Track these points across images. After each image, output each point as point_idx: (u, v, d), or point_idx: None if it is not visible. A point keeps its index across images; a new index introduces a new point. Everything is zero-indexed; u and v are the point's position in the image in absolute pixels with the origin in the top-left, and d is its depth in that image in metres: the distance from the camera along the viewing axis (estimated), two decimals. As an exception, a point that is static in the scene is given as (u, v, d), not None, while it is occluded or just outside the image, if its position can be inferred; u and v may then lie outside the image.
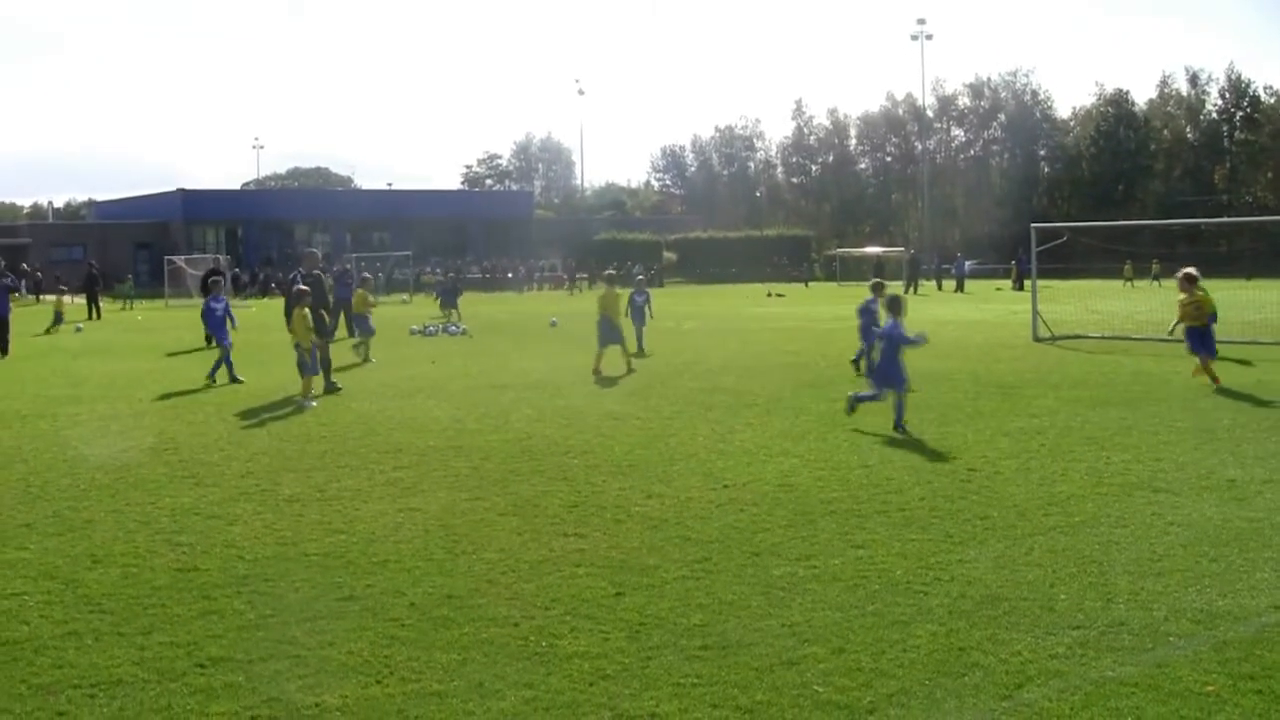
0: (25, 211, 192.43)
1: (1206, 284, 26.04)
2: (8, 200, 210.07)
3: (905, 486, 15.06)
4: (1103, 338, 35.81)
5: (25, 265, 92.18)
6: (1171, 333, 26.18)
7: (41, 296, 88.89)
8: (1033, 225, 42.74)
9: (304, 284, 26.39)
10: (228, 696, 8.42)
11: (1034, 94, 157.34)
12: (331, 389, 25.24)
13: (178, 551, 12.46)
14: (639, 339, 35.74)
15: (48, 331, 49.46)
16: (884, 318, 22.07)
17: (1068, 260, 54.40)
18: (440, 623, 9.96)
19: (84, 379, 29.73)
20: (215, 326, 30.09)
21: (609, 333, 29.95)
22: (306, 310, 24.61)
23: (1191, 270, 25.23)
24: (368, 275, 45.19)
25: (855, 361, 27.46)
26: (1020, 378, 26.58)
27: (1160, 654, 8.95)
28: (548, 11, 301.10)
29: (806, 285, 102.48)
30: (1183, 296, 26.02)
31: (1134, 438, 18.41)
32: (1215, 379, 24.14)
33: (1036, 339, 36.79)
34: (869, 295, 26.67)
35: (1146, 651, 9.00)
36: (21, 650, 9.41)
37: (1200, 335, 25.10)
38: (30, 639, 9.69)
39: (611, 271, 36.07)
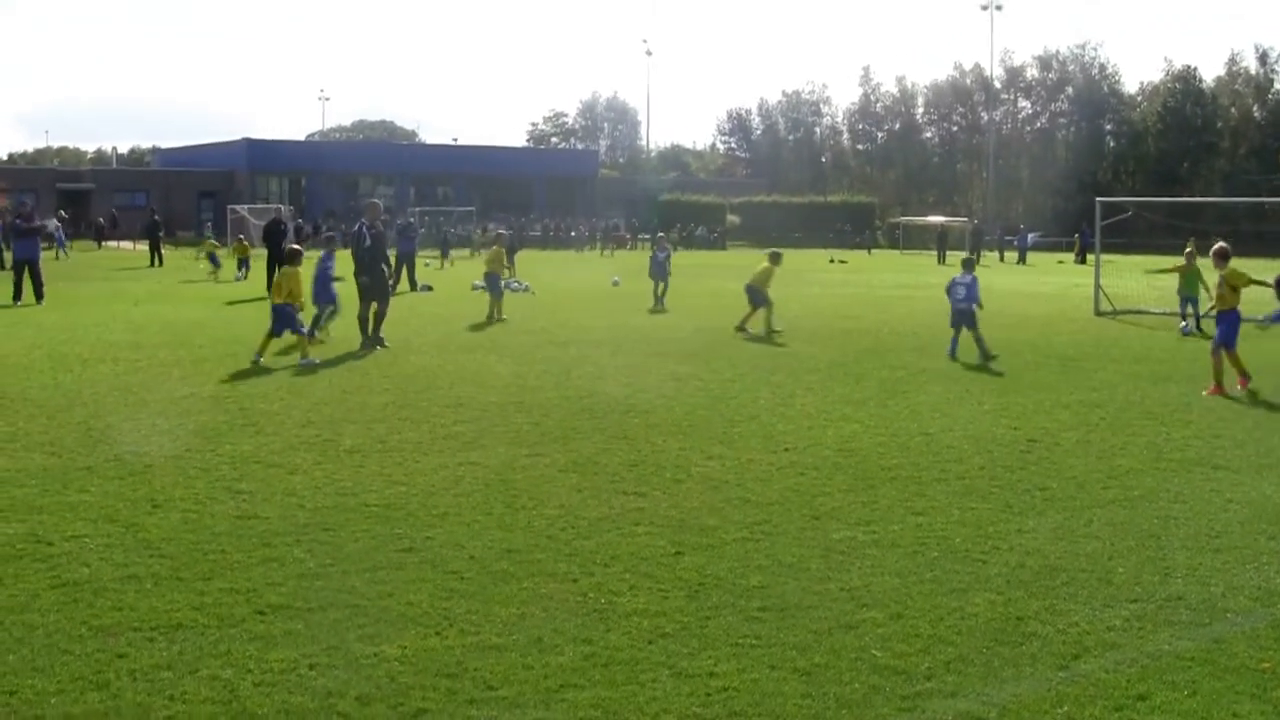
0: (89, 157, 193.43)
1: (1270, 265, 25.66)
2: (72, 145, 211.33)
3: (965, 455, 15.03)
4: (1164, 314, 35.51)
5: (63, 213, 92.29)
6: (1207, 313, 23.57)
7: (104, 243, 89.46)
8: (1097, 199, 42.50)
9: (369, 236, 26.35)
10: (287, 644, 8.48)
11: (1102, 68, 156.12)
12: (378, 343, 25.18)
13: (238, 499, 12.53)
14: (660, 295, 36.36)
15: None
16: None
17: (1130, 235, 53.93)
18: (499, 577, 10.00)
19: (144, 325, 29.87)
20: (323, 285, 27.66)
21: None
22: (298, 270, 24.26)
23: (1224, 244, 22.92)
24: (502, 231, 44.77)
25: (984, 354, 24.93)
26: (1081, 350, 26.45)
27: (1217, 630, 8.92)
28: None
29: (869, 252, 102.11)
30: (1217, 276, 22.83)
31: (1194, 414, 18.32)
32: (1244, 374, 20.64)
33: (1098, 313, 36.57)
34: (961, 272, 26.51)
35: (1203, 627, 8.97)
36: (82, 592, 9.48)
37: (1230, 323, 21.26)
38: (90, 581, 9.76)
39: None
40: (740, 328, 29.25)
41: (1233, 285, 21.43)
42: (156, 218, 70.16)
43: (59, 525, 11.37)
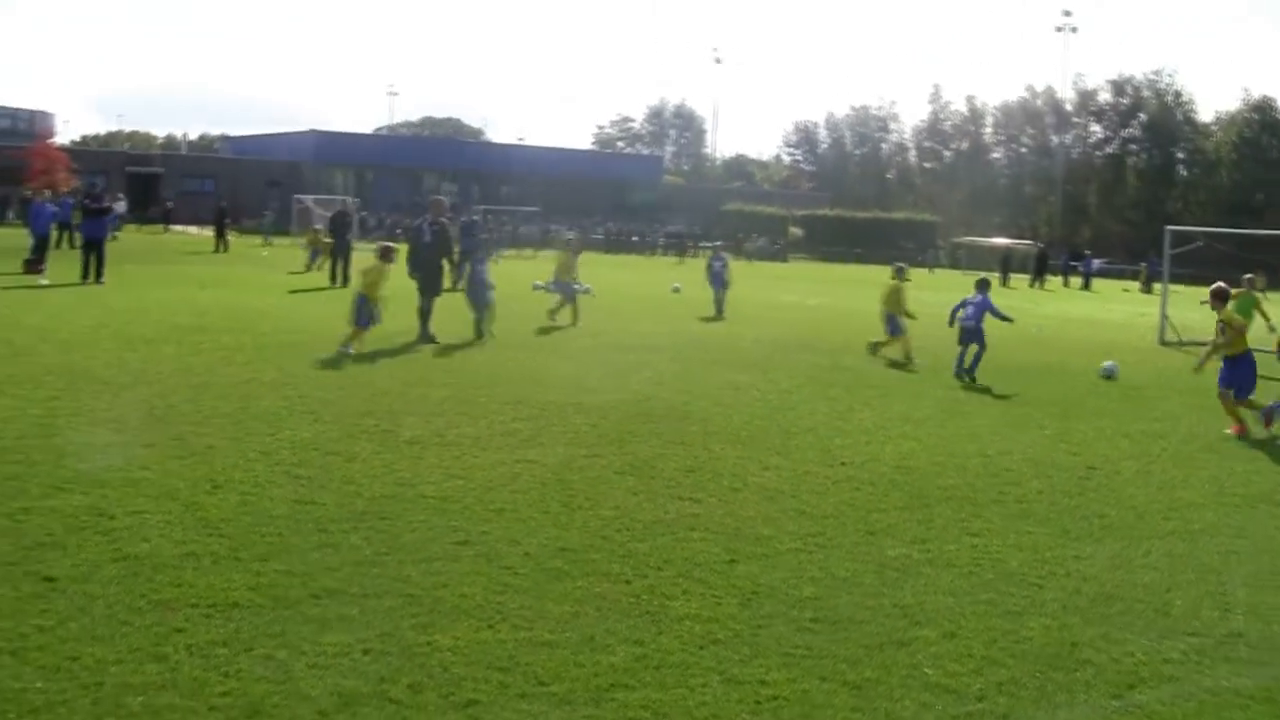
0: (159, 142, 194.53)
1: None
2: (143, 130, 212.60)
3: (1023, 479, 14.98)
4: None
5: (119, 195, 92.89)
6: (1199, 368, 21.20)
7: (170, 227, 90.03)
8: (1166, 228, 42.21)
9: (429, 231, 26.53)
10: (341, 628, 8.55)
11: (1176, 95, 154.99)
12: (428, 339, 25.26)
13: (296, 484, 12.61)
14: (719, 304, 36.88)
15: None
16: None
17: (1199, 266, 53.42)
18: (553, 574, 10.05)
19: (209, 310, 30.04)
20: (478, 287, 27.91)
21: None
22: (389, 269, 24.61)
23: (1222, 284, 21.59)
24: (571, 237, 44.63)
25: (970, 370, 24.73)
26: (1144, 380, 26.32)
27: (1278, 670, 8.86)
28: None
29: (931, 271, 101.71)
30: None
31: (1258, 449, 18.20)
32: (1241, 424, 19.53)
33: (1163, 343, 36.37)
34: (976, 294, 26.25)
35: (1263, 665, 8.92)
36: (141, 566, 9.58)
37: (1233, 367, 20.22)
38: (150, 556, 9.86)
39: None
40: (874, 349, 28.30)
41: (1233, 327, 20.58)
42: (223, 204, 70.69)
43: (121, 500, 11.48)
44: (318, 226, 58.13)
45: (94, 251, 37.29)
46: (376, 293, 23.91)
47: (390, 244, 25.68)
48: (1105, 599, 10.22)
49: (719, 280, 37.37)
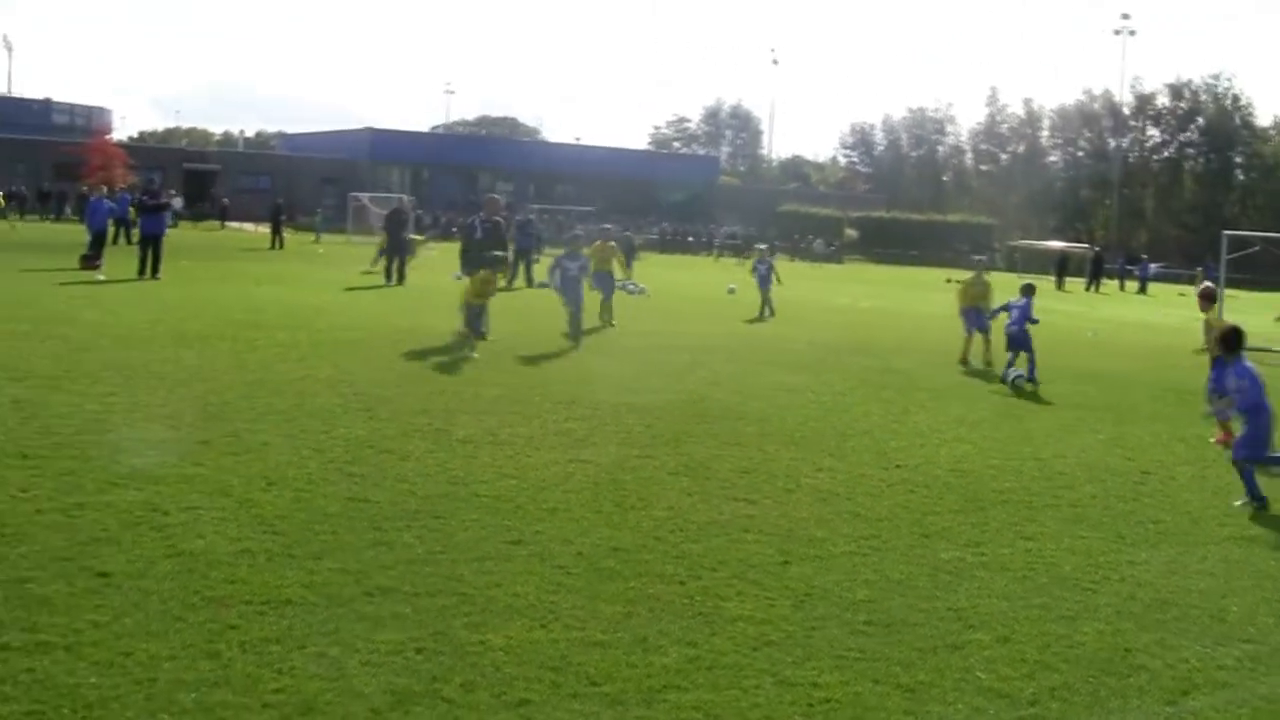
0: (216, 139, 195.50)
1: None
2: (201, 126, 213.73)
3: (1078, 483, 14.91)
4: (1288, 351, 35.03)
5: (172, 191, 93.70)
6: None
7: (226, 224, 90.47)
8: (1224, 232, 41.96)
9: (480, 229, 26.58)
10: (394, 626, 8.56)
11: (1235, 99, 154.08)
12: (481, 337, 25.32)
13: (350, 481, 12.63)
14: (764, 306, 37.01)
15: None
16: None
17: (1257, 271, 53.37)
18: (606, 574, 10.04)
19: (264, 306, 30.17)
20: (568, 289, 27.13)
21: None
22: (490, 274, 24.75)
23: (1209, 285, 21.19)
24: (607, 226, 44.15)
25: (1018, 380, 23.61)
26: (1200, 385, 25.97)
27: (1333, 677, 8.80)
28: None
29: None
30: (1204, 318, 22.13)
31: (1316, 453, 18.06)
32: (1227, 432, 18.09)
33: (1219, 347, 36.03)
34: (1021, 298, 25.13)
35: (1320, 673, 8.86)
36: (196, 563, 9.62)
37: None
38: (205, 552, 9.90)
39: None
40: (963, 361, 27.34)
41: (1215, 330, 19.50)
42: (280, 201, 71.10)
43: (176, 496, 11.53)
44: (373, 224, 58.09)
45: (152, 247, 37.56)
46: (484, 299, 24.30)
47: (501, 254, 26.13)
48: (1160, 605, 10.16)
49: (764, 283, 37.34)
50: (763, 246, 45.41)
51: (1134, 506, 13.85)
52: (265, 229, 68.79)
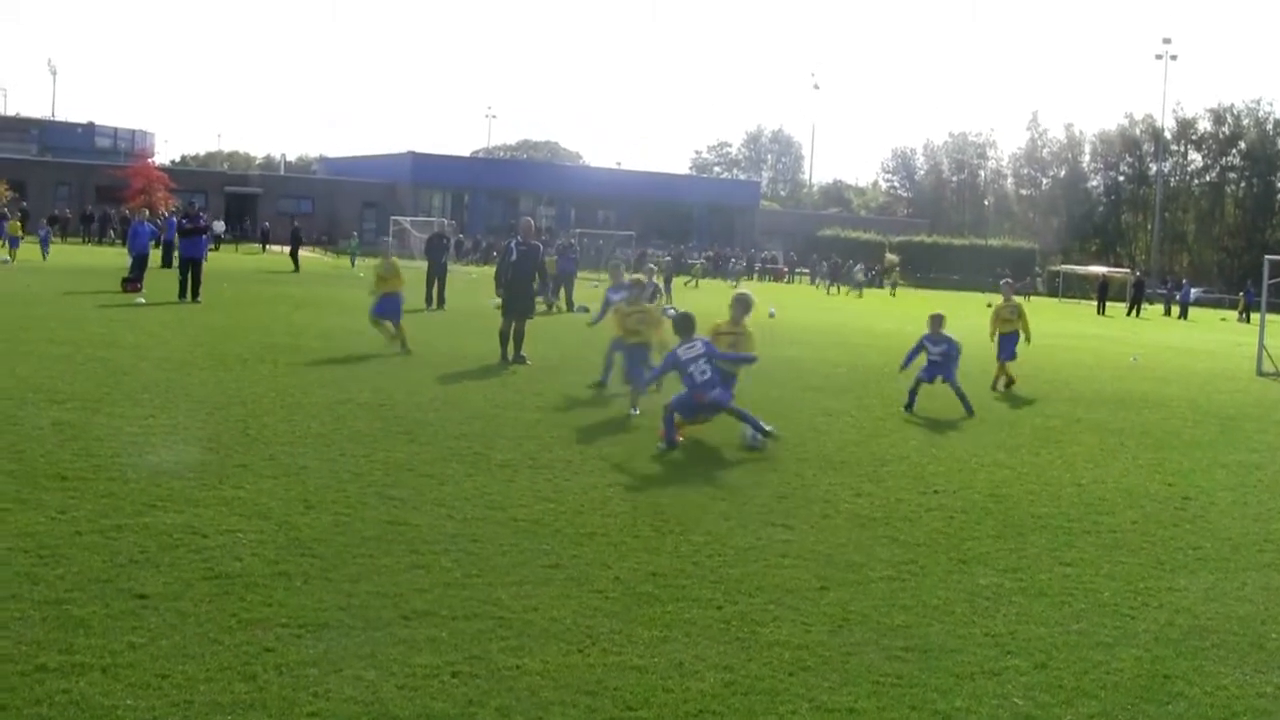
0: (258, 162, 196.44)
1: None
2: (242, 150, 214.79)
3: (1117, 509, 14.83)
4: (1331, 377, 34.89)
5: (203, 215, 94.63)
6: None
7: (268, 247, 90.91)
8: (1266, 257, 41.79)
9: (515, 251, 26.43)
10: (430, 650, 8.55)
11: (1277, 123, 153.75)
12: (519, 361, 25.32)
13: (388, 505, 12.65)
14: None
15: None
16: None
17: (1299, 296, 53.10)
18: (644, 599, 10.02)
19: (303, 329, 30.31)
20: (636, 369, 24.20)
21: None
22: (654, 312, 22.15)
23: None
24: (659, 263, 43.37)
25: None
26: (1241, 410, 26.01)
27: (1373, 703, 8.73)
28: (789, 4, 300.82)
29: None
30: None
31: (1356, 480, 17.95)
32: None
33: (1261, 373, 35.86)
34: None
35: (1359, 700, 8.79)
36: (233, 585, 9.64)
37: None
38: (242, 575, 9.92)
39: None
40: (995, 386, 26.73)
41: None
42: (297, 225, 71.99)
43: (214, 519, 11.57)
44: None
45: (191, 270, 37.79)
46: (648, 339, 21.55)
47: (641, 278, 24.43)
48: (1199, 631, 10.08)
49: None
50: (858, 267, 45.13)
51: (1174, 533, 13.75)
52: (304, 253, 69.28)
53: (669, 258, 54.92)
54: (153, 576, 9.71)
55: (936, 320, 22.91)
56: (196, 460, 14.13)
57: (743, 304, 19.74)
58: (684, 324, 18.21)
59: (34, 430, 15.33)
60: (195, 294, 37.32)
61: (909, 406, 21.91)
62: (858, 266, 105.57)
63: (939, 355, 22.41)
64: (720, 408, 17.66)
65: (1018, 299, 28.66)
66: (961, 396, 21.87)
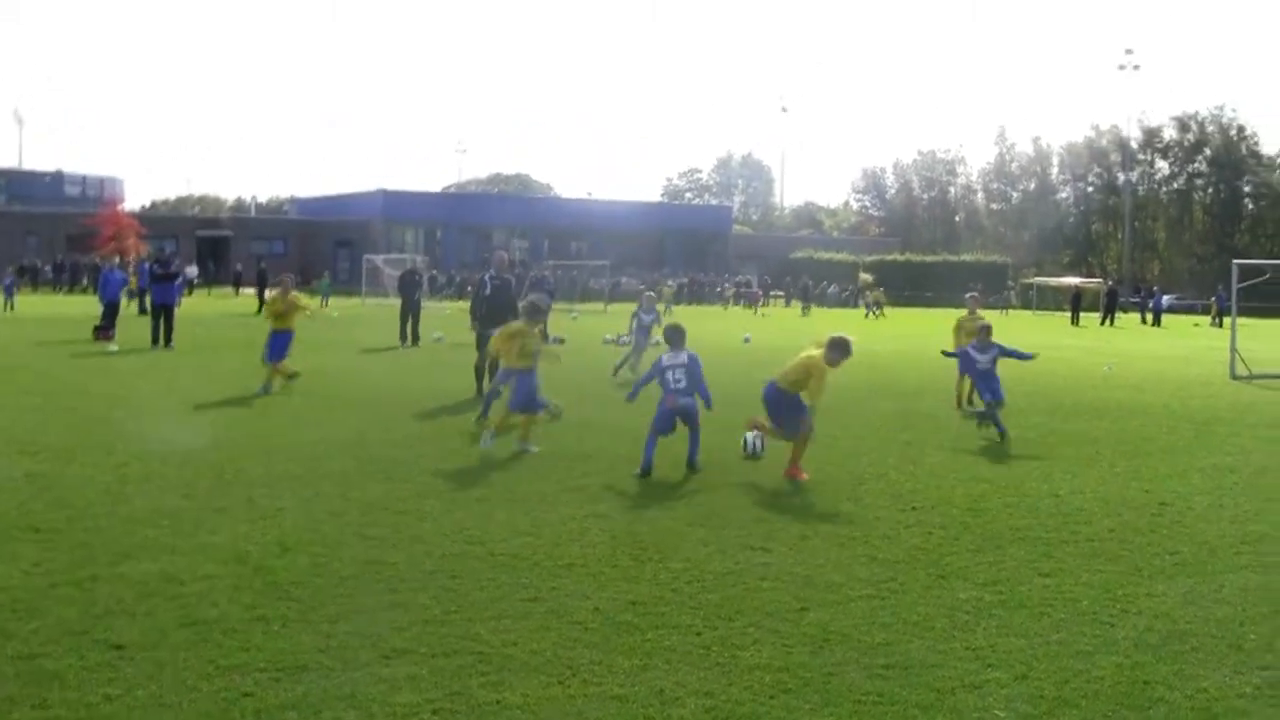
0: (229, 205, 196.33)
1: None
2: (212, 193, 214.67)
3: (1095, 517, 14.85)
4: (1303, 378, 35.03)
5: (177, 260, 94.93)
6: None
7: (241, 290, 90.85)
8: (1234, 261, 41.97)
9: (489, 285, 26.39)
10: (410, 688, 8.52)
11: (1240, 129, 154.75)
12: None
13: (366, 544, 12.62)
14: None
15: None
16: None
17: (1269, 299, 53.32)
18: (623, 628, 10.01)
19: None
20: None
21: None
22: (530, 329, 20.24)
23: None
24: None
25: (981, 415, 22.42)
26: (1215, 414, 26.08)
27: (1353, 700, 8.74)
28: (754, 29, 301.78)
29: (1005, 313, 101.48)
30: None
31: (1334, 479, 18.00)
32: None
33: (1234, 377, 35.96)
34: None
35: (1339, 697, 8.81)
36: (210, 631, 9.60)
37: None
38: (219, 621, 9.88)
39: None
40: (961, 404, 26.24)
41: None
42: (263, 266, 72.20)
43: (190, 565, 11.53)
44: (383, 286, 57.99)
45: (163, 316, 37.76)
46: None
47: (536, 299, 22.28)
48: (1178, 636, 10.10)
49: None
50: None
51: (1151, 539, 13.76)
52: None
53: (671, 284, 55.14)
54: (129, 626, 9.67)
55: (985, 330, 23.61)
56: (172, 506, 14.08)
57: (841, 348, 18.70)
58: (675, 335, 18.63)
59: (6, 482, 15.33)
60: (168, 340, 37.31)
61: (1000, 432, 21.37)
62: (831, 287, 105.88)
63: (988, 363, 22.74)
64: (689, 416, 17.98)
65: (983, 312, 28.48)
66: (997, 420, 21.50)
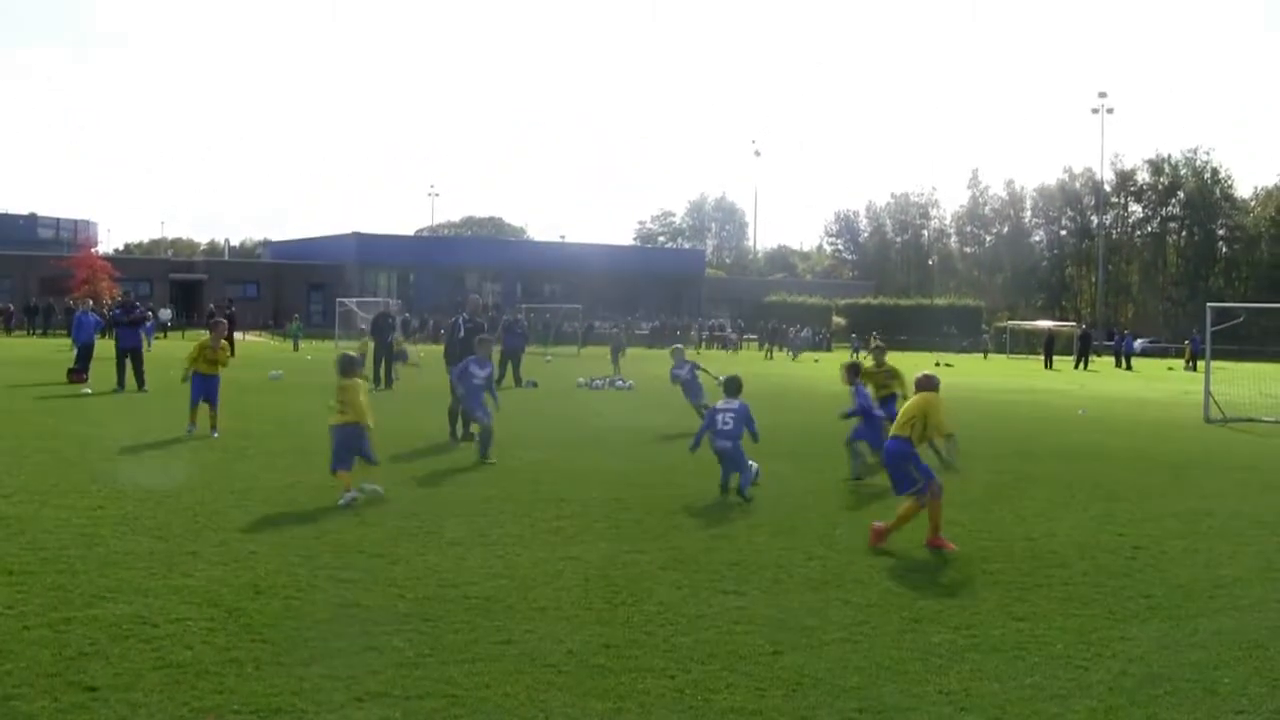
0: (202, 248, 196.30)
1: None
2: (185, 236, 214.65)
3: (1069, 560, 14.88)
4: (1277, 422, 35.14)
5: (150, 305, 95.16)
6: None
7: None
8: (1208, 305, 42.15)
9: (463, 328, 26.52)
10: (385, 731, 8.52)
11: (1214, 172, 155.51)
12: (470, 437, 25.09)
13: (340, 587, 12.61)
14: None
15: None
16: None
17: (1243, 342, 53.62)
18: (597, 671, 10.01)
19: (252, 414, 30.18)
20: (471, 398, 23.93)
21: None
22: (358, 383, 19.75)
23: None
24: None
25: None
26: (1189, 458, 26.17)
27: (1326, 743, 8.77)
28: (727, 71, 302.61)
29: (985, 356, 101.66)
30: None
31: (1306, 523, 18.06)
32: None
33: (1208, 420, 36.11)
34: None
35: (1311, 740, 8.84)
36: (184, 674, 9.59)
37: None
38: (193, 664, 9.87)
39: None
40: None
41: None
42: (232, 310, 72.37)
43: (164, 608, 11.51)
44: (362, 326, 57.70)
45: (131, 360, 37.78)
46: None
47: (351, 354, 22.01)
48: (1152, 679, 10.12)
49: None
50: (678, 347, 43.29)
51: (1125, 583, 13.80)
52: (251, 337, 69.16)
53: (616, 329, 55.09)
54: (103, 668, 9.65)
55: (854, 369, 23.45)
56: (146, 549, 14.04)
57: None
58: (732, 385, 20.16)
59: (-21, 525, 15.26)
60: (140, 383, 37.22)
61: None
62: (804, 331, 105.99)
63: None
64: (726, 456, 19.34)
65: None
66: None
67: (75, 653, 10.04)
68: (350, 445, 18.62)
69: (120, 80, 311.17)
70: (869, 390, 23.13)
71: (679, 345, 38.32)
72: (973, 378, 63.42)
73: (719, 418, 19.48)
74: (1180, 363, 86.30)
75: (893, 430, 16.37)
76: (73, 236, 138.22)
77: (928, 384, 16.44)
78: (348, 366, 19.44)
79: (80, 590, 12.08)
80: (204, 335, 29.36)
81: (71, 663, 9.77)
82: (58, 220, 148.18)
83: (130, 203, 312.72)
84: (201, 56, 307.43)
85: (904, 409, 16.68)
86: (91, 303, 54.65)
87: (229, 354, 26.91)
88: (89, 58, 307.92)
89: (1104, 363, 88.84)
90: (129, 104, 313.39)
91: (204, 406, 25.81)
